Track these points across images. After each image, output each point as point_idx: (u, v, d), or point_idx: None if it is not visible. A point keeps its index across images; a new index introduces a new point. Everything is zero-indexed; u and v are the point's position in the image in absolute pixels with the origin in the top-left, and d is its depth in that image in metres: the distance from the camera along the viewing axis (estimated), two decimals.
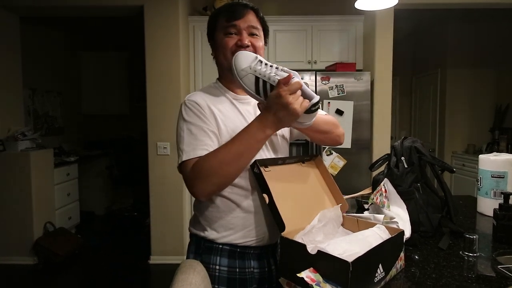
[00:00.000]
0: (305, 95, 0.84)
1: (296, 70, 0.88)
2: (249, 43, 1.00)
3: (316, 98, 0.84)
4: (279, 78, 0.83)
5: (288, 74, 0.84)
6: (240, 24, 1.00)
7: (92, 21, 4.24)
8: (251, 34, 1.02)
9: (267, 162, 0.99)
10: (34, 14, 3.55)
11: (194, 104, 0.98)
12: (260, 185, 0.95)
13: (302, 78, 0.90)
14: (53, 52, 4.52)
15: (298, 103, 0.80)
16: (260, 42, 1.03)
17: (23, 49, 3.53)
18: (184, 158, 0.93)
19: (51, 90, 4.47)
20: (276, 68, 0.86)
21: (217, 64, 1.09)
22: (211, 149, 0.92)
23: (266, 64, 0.88)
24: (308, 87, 0.87)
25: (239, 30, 1.00)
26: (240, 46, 0.99)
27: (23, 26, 3.52)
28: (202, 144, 0.93)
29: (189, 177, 0.91)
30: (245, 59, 0.89)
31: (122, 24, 4.06)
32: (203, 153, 0.91)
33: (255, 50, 1.00)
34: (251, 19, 1.02)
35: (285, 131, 1.16)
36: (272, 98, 0.82)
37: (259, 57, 0.89)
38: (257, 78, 0.87)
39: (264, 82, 0.86)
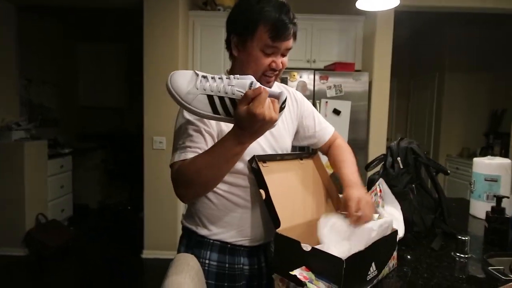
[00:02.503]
0: (271, 95, 0.76)
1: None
2: (281, 65, 0.96)
3: (283, 94, 0.77)
4: (238, 89, 0.74)
5: (244, 80, 0.75)
6: (281, 46, 0.94)
7: (90, 13, 4.20)
8: (284, 54, 0.97)
9: (265, 158, 0.98)
10: (31, 4, 3.51)
11: None
12: (258, 181, 0.95)
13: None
14: (51, 42, 4.47)
15: (271, 109, 0.74)
16: (287, 57, 0.99)
17: (19, 39, 3.49)
18: (174, 159, 0.91)
19: (47, 81, 4.42)
20: (226, 78, 0.76)
21: (235, 62, 1.02)
22: None
23: (212, 77, 0.77)
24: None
25: (276, 51, 0.94)
26: (273, 70, 0.95)
27: (20, 15, 3.48)
28: (194, 147, 0.90)
29: (172, 180, 0.90)
30: (184, 80, 0.76)
31: (121, 16, 4.03)
32: (191, 156, 0.88)
33: (282, 67, 0.97)
34: (291, 39, 0.95)
35: (291, 130, 1.13)
36: (243, 115, 0.73)
37: (198, 72, 0.78)
38: (210, 97, 0.76)
39: (221, 98, 0.76)
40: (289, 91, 1.15)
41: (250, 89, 0.74)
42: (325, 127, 1.19)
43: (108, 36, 4.97)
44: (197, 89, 0.76)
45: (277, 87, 1.12)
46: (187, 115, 0.94)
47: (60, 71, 4.65)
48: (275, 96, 0.76)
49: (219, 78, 0.77)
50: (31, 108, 4.14)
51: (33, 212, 3.24)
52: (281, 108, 0.77)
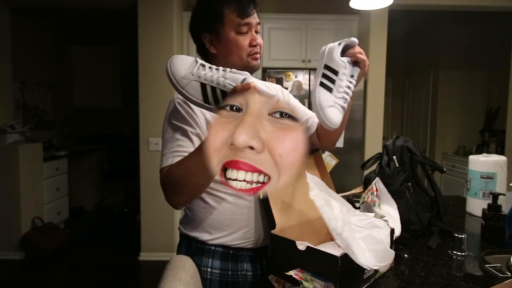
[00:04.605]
0: (262, 95, 0.78)
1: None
2: (258, 39, 0.96)
3: (275, 98, 0.77)
4: (230, 83, 0.74)
5: (238, 75, 0.75)
6: (252, 21, 0.94)
7: (84, 14, 4.19)
8: (256, 32, 0.97)
9: None
10: (25, 5, 3.49)
11: (182, 104, 0.93)
12: None
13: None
14: (45, 44, 4.44)
15: None
16: (259, 35, 0.99)
17: (13, 41, 3.47)
18: (162, 164, 0.90)
19: (41, 83, 4.40)
20: (223, 70, 0.77)
21: (215, 60, 1.00)
22: None
23: (210, 67, 0.77)
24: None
25: (250, 28, 0.94)
26: (254, 46, 0.95)
27: (13, 17, 3.45)
28: (182, 151, 0.88)
29: (162, 185, 0.88)
30: (183, 64, 0.78)
31: (115, 18, 4.01)
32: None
33: (260, 48, 0.98)
34: (256, 14, 0.96)
35: None
36: None
37: (199, 60, 0.79)
38: (203, 85, 0.77)
39: (213, 88, 0.76)
40: (275, 88, 1.15)
41: None
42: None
43: (103, 37, 4.94)
44: (193, 75, 0.76)
45: (263, 85, 1.11)
46: (174, 119, 0.92)
47: (54, 73, 4.62)
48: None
49: (215, 69, 0.77)
50: (25, 111, 4.11)
51: (29, 215, 3.21)
52: None
